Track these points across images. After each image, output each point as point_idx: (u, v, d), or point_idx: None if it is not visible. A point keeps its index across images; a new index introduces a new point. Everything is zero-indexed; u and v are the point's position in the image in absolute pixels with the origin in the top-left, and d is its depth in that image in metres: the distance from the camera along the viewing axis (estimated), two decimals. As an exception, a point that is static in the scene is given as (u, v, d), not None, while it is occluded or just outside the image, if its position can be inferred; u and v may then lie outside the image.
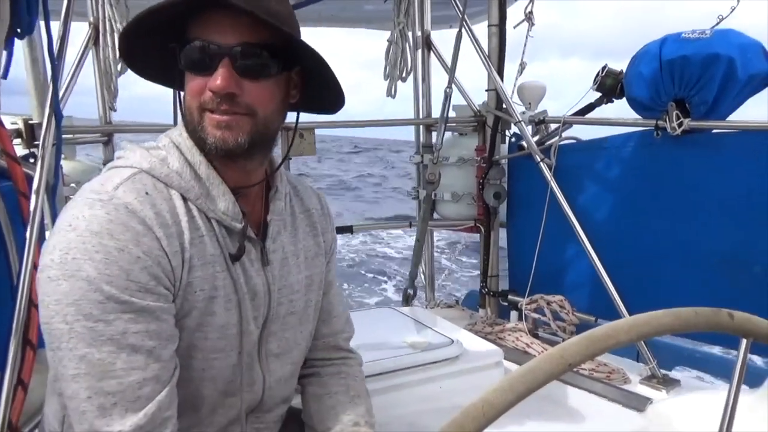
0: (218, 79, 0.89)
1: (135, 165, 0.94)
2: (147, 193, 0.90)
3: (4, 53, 1.40)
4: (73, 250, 0.83)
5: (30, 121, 1.68)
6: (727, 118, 1.80)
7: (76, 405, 0.84)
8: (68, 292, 0.82)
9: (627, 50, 2.09)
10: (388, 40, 2.61)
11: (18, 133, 1.68)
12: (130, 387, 0.84)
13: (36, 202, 1.44)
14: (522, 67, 2.47)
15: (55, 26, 1.64)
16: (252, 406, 1.11)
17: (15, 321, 1.30)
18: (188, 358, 0.97)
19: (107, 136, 2.31)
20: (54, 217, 1.66)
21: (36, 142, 1.61)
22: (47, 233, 1.63)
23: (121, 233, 0.85)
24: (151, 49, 0.99)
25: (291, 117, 1.10)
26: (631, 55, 1.99)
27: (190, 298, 0.94)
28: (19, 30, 1.42)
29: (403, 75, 2.65)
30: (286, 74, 0.99)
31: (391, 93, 2.69)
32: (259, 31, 0.91)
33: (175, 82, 1.00)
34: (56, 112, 1.56)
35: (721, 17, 1.79)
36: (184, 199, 0.95)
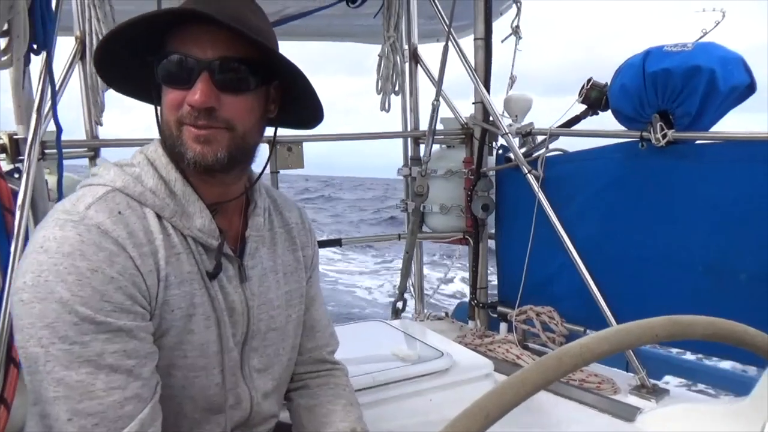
0: (197, 93, 0.89)
1: (108, 183, 0.93)
2: (120, 213, 0.89)
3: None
4: (45, 272, 0.81)
5: (15, 136, 1.67)
6: (710, 129, 1.82)
7: (58, 427, 0.82)
8: (42, 315, 0.81)
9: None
10: (378, 55, 2.62)
11: (2, 148, 1.66)
12: (111, 407, 0.83)
13: (20, 218, 1.43)
14: (512, 80, 2.50)
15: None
16: (240, 423, 1.10)
17: (-2, 338, 1.28)
18: (168, 377, 0.96)
19: (93, 150, 2.29)
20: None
21: (21, 157, 1.60)
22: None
23: (93, 254, 0.84)
24: (128, 64, 0.98)
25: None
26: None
27: (168, 316, 0.93)
28: (35, 46, 1.43)
29: (396, 89, 2.65)
30: (264, 88, 0.99)
31: (384, 107, 2.68)
32: (238, 45, 0.91)
33: (152, 97, 0.99)
34: (56, 124, 1.56)
35: (704, 31, 1.82)
36: (159, 217, 0.94)
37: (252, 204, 1.10)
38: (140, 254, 0.89)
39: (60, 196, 1.64)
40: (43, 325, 0.81)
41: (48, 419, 0.84)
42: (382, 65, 2.62)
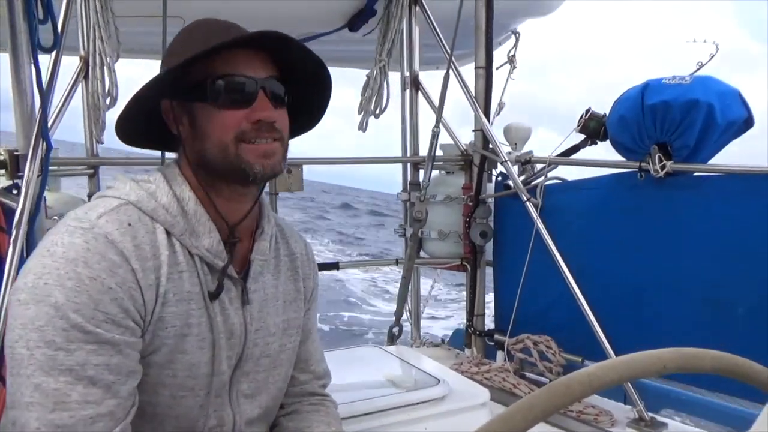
0: (265, 108, 0.95)
1: (122, 196, 0.94)
2: (129, 225, 0.90)
3: None
4: (45, 275, 0.82)
5: (15, 152, 1.66)
6: (709, 162, 1.84)
7: None
8: (34, 317, 0.81)
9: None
10: (367, 76, 2.63)
11: (2, 164, 1.66)
12: (82, 421, 0.82)
13: (17, 235, 1.42)
14: (500, 107, 2.54)
15: (45, 59, 1.66)
16: None
17: (-11, 356, 1.26)
18: (154, 395, 0.95)
19: (93, 168, 2.29)
20: (31, 249, 1.63)
21: (20, 174, 1.60)
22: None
23: (96, 262, 0.84)
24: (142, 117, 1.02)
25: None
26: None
27: (161, 333, 0.93)
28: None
29: (377, 112, 2.66)
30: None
31: (362, 127, 2.68)
32: (273, 65, 0.99)
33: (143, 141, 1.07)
34: (46, 141, 1.55)
35: (700, 64, 1.85)
36: (168, 234, 0.95)
37: (260, 229, 1.11)
38: (143, 268, 0.89)
39: (37, 212, 1.62)
40: (33, 328, 0.81)
41: (15, 426, 0.82)
42: (368, 86, 2.62)
